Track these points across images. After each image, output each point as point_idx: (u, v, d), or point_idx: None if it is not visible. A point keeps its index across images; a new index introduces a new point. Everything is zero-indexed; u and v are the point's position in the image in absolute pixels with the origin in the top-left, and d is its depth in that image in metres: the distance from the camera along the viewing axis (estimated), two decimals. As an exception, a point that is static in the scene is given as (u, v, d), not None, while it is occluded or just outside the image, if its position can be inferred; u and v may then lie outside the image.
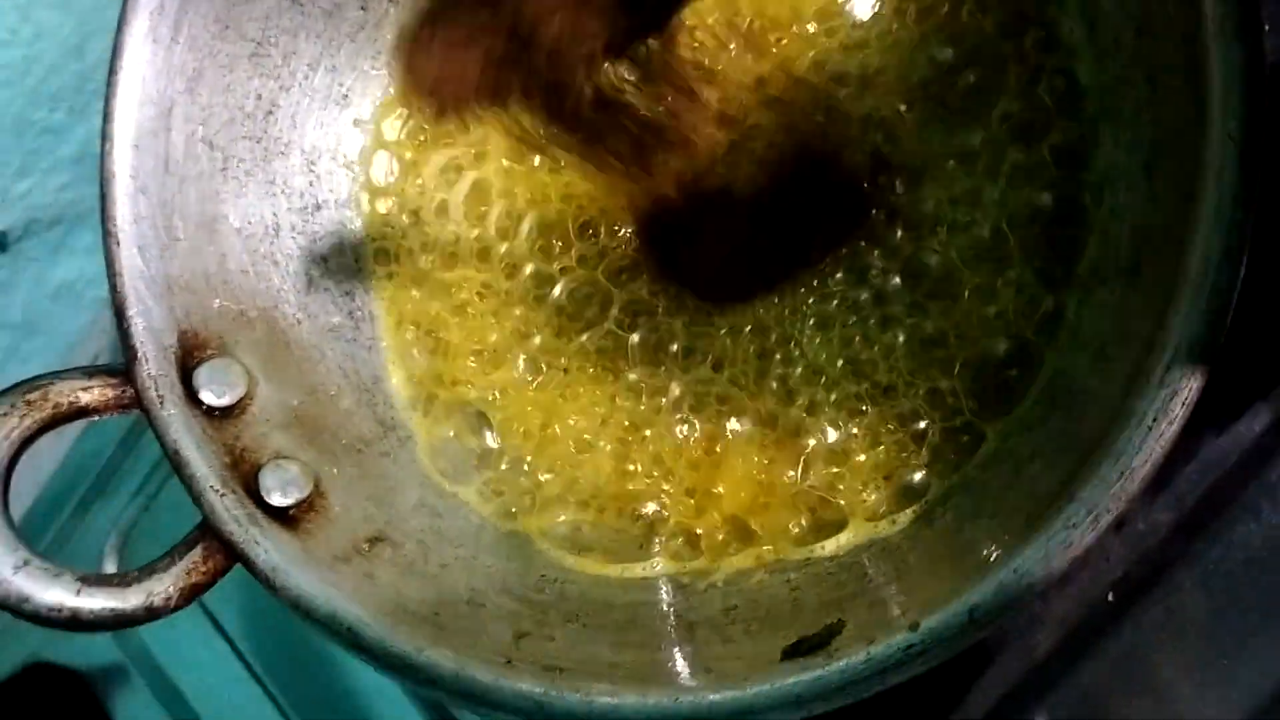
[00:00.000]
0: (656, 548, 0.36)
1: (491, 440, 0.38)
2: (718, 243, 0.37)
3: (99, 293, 0.60)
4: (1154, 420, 0.25)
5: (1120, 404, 0.26)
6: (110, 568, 0.51)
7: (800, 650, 0.29)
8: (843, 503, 0.34)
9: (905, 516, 0.33)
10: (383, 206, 0.40)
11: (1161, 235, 0.28)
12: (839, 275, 0.35)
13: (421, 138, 0.40)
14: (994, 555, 0.27)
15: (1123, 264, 0.30)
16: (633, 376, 0.37)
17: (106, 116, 0.34)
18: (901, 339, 0.34)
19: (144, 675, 0.52)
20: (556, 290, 0.38)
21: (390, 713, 0.47)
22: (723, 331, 0.36)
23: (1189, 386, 0.25)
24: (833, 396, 0.35)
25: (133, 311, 0.34)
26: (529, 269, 0.38)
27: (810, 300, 0.36)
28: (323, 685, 0.49)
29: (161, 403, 0.33)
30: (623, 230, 0.38)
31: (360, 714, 0.48)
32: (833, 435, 0.35)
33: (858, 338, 0.35)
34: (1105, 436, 0.26)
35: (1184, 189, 0.27)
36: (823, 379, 0.35)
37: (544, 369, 0.38)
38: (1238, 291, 0.25)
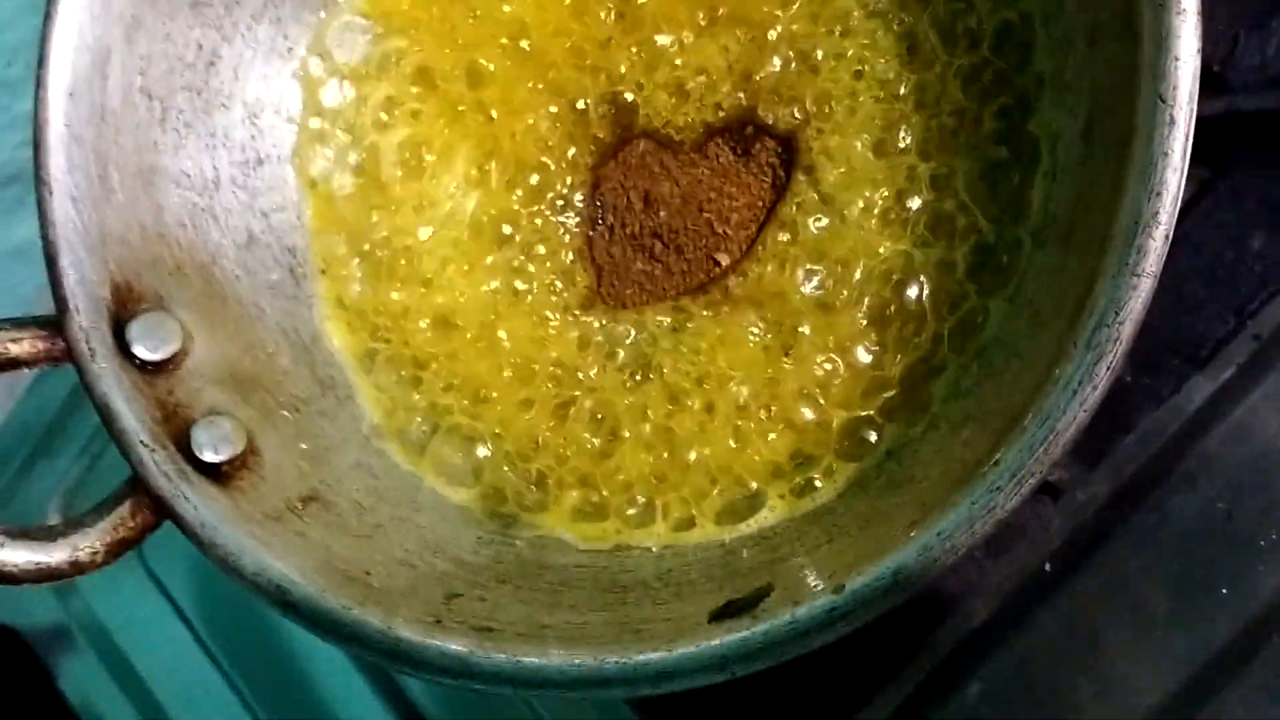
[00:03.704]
0: (590, 516, 0.36)
1: (432, 400, 0.38)
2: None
3: (59, 253, 0.60)
4: (1079, 384, 0.25)
5: (1047, 369, 0.26)
6: (54, 528, 0.51)
7: (728, 612, 0.29)
8: (775, 471, 0.34)
9: (840, 484, 0.33)
10: (324, 160, 0.39)
11: (1096, 199, 0.28)
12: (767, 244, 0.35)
13: (361, 96, 0.39)
14: (920, 519, 0.27)
15: (1061, 227, 0.30)
16: (575, 334, 0.37)
17: (41, 62, 0.34)
18: (836, 297, 0.34)
19: (87, 636, 0.52)
20: (506, 241, 0.38)
21: (334, 678, 0.47)
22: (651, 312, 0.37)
23: (1113, 351, 0.25)
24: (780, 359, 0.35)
25: (65, 262, 0.33)
26: (474, 217, 0.38)
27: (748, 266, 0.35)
28: (268, 649, 0.49)
29: (93, 355, 0.33)
30: (572, 183, 0.38)
31: (305, 678, 0.48)
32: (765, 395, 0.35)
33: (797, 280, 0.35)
34: (1032, 400, 0.26)
35: (1117, 152, 0.26)
36: (760, 347, 0.35)
37: (487, 323, 0.38)
38: (1163, 257, 0.25)
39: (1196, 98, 0.25)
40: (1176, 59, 0.25)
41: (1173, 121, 0.25)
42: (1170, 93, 0.25)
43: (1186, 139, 0.25)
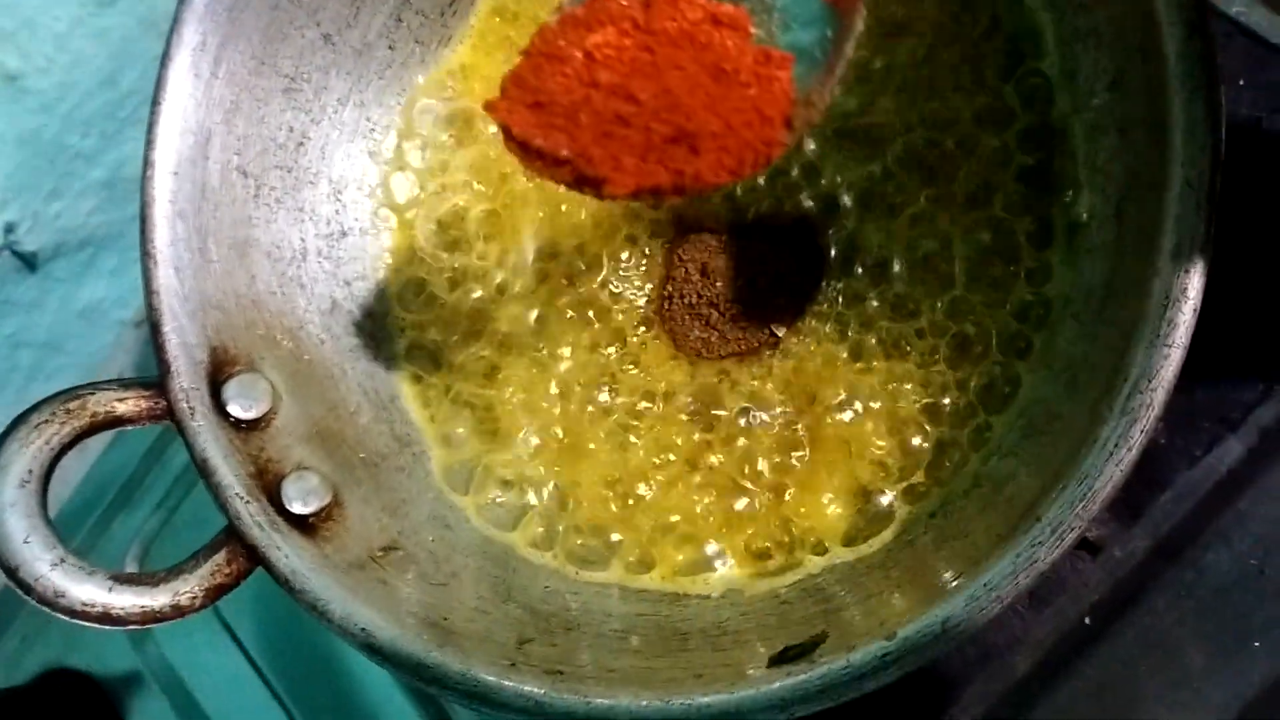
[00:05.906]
0: (651, 564, 0.38)
1: (502, 458, 0.40)
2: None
3: (123, 314, 0.61)
4: (1115, 446, 0.27)
5: (1086, 430, 0.28)
6: (131, 576, 0.53)
7: (786, 658, 0.31)
8: (828, 525, 0.36)
9: (889, 538, 0.35)
10: (402, 235, 0.42)
11: (1129, 273, 0.30)
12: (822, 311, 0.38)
13: (440, 175, 0.42)
14: (966, 571, 0.29)
15: (1095, 299, 0.32)
16: (637, 385, 0.39)
17: (149, 144, 0.36)
18: (883, 364, 0.37)
19: (160, 682, 0.54)
20: (569, 318, 0.41)
21: (397, 720, 0.49)
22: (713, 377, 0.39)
23: (1147, 415, 0.27)
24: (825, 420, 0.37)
25: (168, 328, 0.35)
26: (539, 299, 0.41)
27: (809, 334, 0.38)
28: (333, 694, 0.50)
29: (192, 414, 0.35)
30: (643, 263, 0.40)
31: (368, 723, 0.50)
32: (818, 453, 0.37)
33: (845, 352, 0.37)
34: (1072, 460, 0.28)
35: (1149, 231, 0.29)
36: (813, 408, 0.37)
37: (553, 390, 0.40)
38: (1192, 329, 0.27)
39: (1222, 183, 0.27)
40: (1203, 149, 0.27)
41: (1200, 205, 0.27)
42: (1198, 178, 0.27)
43: (1213, 220, 0.27)
